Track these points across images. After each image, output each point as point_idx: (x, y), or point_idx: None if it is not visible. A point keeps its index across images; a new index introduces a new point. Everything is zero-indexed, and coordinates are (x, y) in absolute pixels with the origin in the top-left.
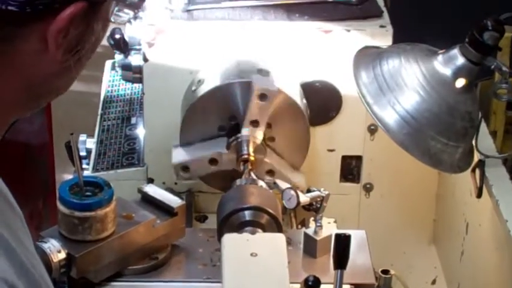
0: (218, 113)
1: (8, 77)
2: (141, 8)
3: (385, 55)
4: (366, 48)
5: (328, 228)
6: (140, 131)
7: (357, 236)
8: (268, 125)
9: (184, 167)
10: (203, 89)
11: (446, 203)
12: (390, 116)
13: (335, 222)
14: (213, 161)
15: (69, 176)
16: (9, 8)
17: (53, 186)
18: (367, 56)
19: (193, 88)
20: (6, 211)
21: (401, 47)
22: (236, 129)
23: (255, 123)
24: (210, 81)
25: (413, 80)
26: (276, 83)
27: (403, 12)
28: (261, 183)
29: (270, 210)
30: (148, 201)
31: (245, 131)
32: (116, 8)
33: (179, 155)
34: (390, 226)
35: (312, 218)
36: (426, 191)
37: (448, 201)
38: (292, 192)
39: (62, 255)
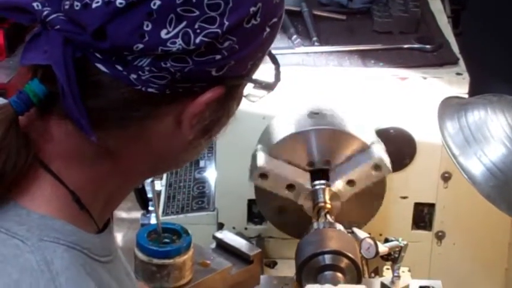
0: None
1: (139, 153)
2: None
3: (470, 106)
4: (450, 98)
5: (404, 277)
6: (209, 174)
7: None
8: (327, 162)
9: (263, 174)
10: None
11: None
12: (476, 168)
13: (409, 271)
14: (290, 187)
15: (123, 214)
16: (149, 90)
17: None
18: (452, 106)
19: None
20: (125, 280)
21: (487, 98)
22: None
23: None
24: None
25: (500, 132)
26: (350, 128)
27: (476, 59)
28: (339, 226)
29: (350, 255)
30: (224, 248)
31: (308, 185)
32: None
33: (262, 160)
34: (462, 274)
35: (386, 267)
36: (499, 239)
37: None
38: (371, 241)
39: None
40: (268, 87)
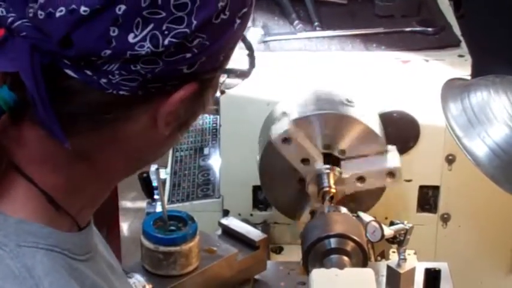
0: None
1: (115, 154)
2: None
3: (473, 87)
4: (453, 80)
5: (410, 260)
6: (214, 162)
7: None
8: (343, 152)
9: (286, 139)
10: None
11: None
12: (480, 149)
13: (415, 253)
14: (305, 161)
15: (128, 204)
16: (121, 92)
17: (116, 214)
18: (455, 88)
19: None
20: (108, 274)
21: (489, 79)
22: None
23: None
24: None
25: (503, 113)
26: (353, 112)
27: (478, 41)
28: (344, 210)
29: (356, 238)
30: (229, 235)
31: (318, 166)
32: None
33: (287, 124)
34: (467, 256)
35: (392, 250)
36: (504, 220)
37: None
38: (377, 225)
39: None
40: (243, 75)
